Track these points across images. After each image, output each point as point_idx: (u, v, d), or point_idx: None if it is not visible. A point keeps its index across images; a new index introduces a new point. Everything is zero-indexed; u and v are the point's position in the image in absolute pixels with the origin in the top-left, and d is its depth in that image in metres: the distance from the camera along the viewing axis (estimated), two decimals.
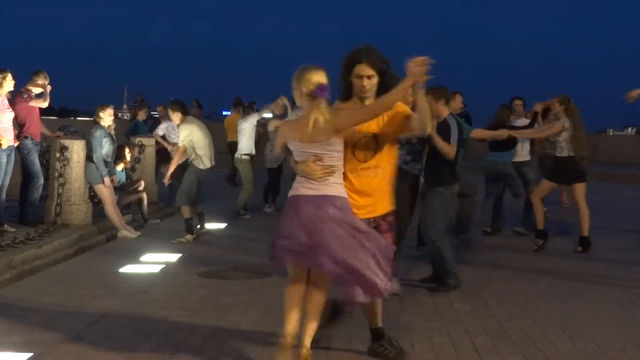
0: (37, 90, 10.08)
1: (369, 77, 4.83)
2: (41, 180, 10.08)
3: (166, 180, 10.55)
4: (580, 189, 9.57)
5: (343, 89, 5.04)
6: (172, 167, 10.35)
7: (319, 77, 4.67)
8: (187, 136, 10.09)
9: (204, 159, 10.14)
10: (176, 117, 10.40)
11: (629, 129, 73.14)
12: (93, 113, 10.52)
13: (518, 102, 11.33)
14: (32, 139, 9.98)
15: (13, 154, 9.45)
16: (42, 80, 10.11)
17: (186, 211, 10.08)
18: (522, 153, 10.95)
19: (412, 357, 5.31)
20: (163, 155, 13.09)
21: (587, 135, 11.34)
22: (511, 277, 8.16)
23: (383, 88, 4.83)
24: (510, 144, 10.63)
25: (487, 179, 11.00)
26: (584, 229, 9.67)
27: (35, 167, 9.98)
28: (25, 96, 9.92)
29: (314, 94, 4.64)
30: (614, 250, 9.97)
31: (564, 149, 9.50)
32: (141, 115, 15.14)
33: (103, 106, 10.25)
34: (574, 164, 9.47)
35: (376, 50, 4.92)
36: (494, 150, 10.83)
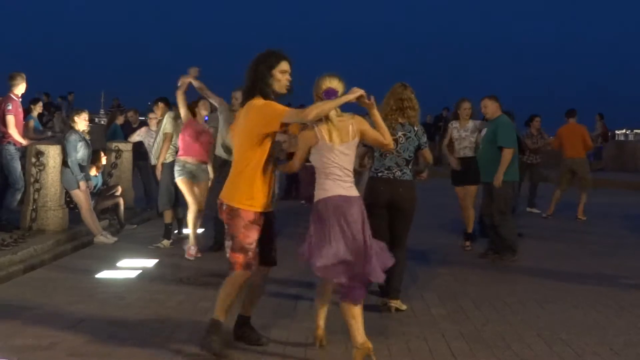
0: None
1: (290, 73, 5.30)
2: (20, 186, 10.02)
3: (158, 173, 10.06)
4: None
5: (262, 87, 5.19)
6: (162, 156, 9.89)
7: (328, 83, 5.23)
8: (167, 124, 9.96)
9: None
10: (158, 110, 10.73)
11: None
12: (68, 118, 10.54)
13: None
14: (14, 145, 9.95)
15: None
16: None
17: (168, 215, 10.02)
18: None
19: None
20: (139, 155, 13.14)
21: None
22: (488, 281, 8.21)
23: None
24: None
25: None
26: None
27: (16, 173, 9.94)
28: (10, 106, 9.95)
29: (323, 97, 5.18)
30: (590, 255, 10.06)
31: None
32: (120, 120, 15.08)
33: (78, 111, 10.28)
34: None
35: None
36: None
